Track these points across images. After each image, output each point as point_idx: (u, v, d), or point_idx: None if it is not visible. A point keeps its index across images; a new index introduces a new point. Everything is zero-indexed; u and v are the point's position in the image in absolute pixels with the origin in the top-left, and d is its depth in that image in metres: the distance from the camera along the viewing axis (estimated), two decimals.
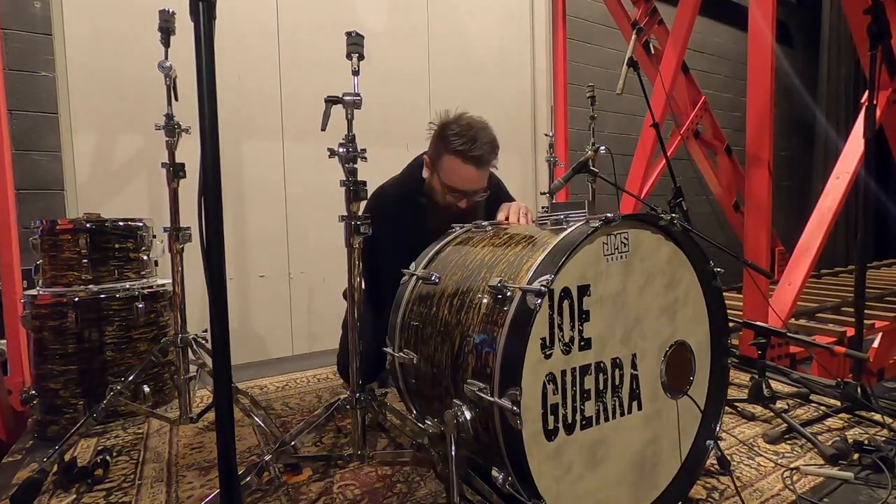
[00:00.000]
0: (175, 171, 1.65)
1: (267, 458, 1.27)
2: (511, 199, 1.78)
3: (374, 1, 3.07)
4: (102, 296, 1.78)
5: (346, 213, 1.35)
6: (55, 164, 2.29)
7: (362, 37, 1.36)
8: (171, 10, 1.57)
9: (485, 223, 1.44)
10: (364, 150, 1.34)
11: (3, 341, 2.01)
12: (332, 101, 1.33)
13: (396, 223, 1.63)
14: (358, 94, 1.34)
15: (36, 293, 1.75)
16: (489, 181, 1.70)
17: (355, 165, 1.33)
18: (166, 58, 1.59)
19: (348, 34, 1.35)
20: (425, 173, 1.74)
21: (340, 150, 1.31)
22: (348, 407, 1.37)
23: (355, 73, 1.36)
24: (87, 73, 2.34)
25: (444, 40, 3.31)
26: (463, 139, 1.56)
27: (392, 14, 3.13)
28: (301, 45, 2.83)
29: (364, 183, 1.35)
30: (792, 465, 1.42)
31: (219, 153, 0.78)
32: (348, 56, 1.36)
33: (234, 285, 2.68)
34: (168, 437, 1.71)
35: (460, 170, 1.58)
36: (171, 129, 1.64)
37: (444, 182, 1.63)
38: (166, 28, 1.58)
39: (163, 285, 1.94)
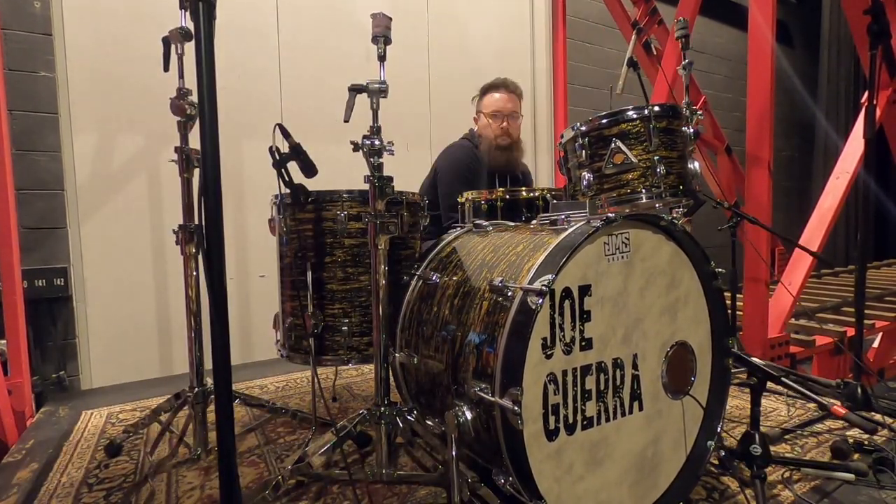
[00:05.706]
0: (188, 160, 1.37)
1: (285, 473, 1.26)
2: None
3: (375, 3, 3.06)
4: None
5: (371, 212, 1.23)
6: (55, 164, 2.28)
7: (390, 18, 1.24)
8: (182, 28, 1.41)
9: (485, 223, 1.44)
10: (391, 143, 1.25)
11: (3, 341, 2.00)
12: (356, 90, 1.22)
13: (468, 167, 2.17)
14: (384, 82, 1.22)
15: None
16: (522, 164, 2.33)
17: (381, 160, 1.21)
18: (166, 63, 1.46)
19: (373, 16, 1.23)
20: (475, 127, 2.30)
21: (365, 142, 1.19)
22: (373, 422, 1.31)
23: (381, 58, 1.24)
24: (87, 73, 2.34)
25: (443, 41, 3.31)
26: (491, 82, 2.27)
27: (392, 15, 3.12)
28: (301, 47, 2.82)
29: (390, 178, 1.23)
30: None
31: (219, 153, 0.78)
32: (374, 40, 1.24)
33: (234, 285, 2.68)
34: (168, 437, 1.71)
35: (494, 95, 2.23)
36: (182, 108, 1.36)
37: (486, 113, 2.21)
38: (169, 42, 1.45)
39: None
